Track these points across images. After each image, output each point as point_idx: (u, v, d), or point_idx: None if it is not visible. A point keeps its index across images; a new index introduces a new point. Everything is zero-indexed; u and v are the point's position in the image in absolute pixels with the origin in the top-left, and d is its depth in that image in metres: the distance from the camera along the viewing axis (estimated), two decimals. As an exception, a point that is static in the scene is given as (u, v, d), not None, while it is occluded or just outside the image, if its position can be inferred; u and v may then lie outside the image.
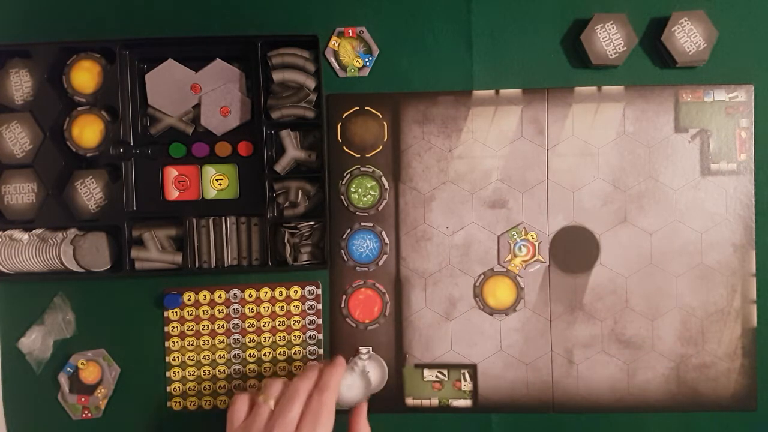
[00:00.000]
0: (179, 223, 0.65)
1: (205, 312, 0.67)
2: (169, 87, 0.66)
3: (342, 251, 0.66)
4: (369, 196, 0.66)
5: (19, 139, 0.64)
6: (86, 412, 0.67)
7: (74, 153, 0.64)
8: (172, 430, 0.67)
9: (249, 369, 0.67)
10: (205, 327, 0.67)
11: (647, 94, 0.65)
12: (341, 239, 0.66)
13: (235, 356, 0.67)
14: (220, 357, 0.67)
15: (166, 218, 0.66)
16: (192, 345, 0.67)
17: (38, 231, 0.65)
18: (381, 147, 0.66)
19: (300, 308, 0.67)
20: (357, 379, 0.61)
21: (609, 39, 0.63)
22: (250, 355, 0.67)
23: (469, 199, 0.66)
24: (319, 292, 0.67)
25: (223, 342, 0.67)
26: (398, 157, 0.66)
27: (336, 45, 0.66)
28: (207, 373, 0.67)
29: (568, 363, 0.65)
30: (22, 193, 0.65)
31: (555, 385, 0.65)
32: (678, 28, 0.63)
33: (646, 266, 0.65)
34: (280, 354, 0.67)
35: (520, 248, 0.65)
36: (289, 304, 0.67)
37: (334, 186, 0.66)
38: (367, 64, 0.66)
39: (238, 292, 0.67)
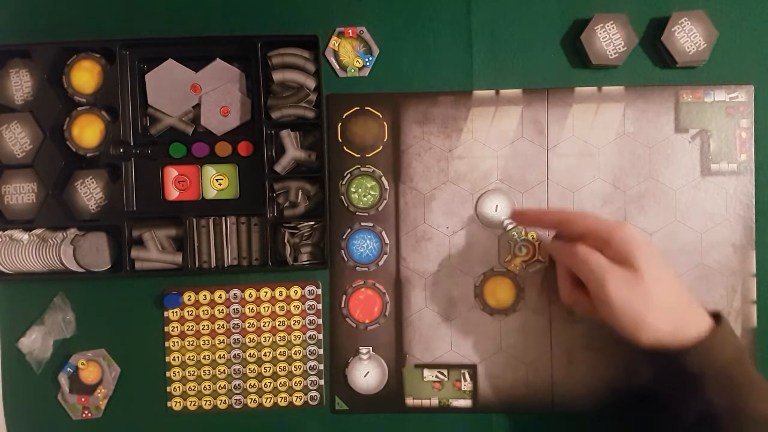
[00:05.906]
0: (179, 223, 0.65)
1: (205, 312, 0.67)
2: (169, 87, 0.66)
3: (342, 251, 0.66)
4: (369, 196, 0.66)
5: (19, 139, 0.64)
6: (86, 412, 0.67)
7: (74, 153, 0.64)
8: (172, 430, 0.67)
9: (249, 369, 0.67)
10: (205, 327, 0.67)
11: (647, 94, 0.65)
12: (341, 239, 0.66)
13: (235, 356, 0.67)
14: (220, 357, 0.67)
15: (166, 218, 0.66)
16: (192, 345, 0.67)
17: (38, 231, 0.65)
18: (381, 147, 0.66)
19: (300, 308, 0.67)
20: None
21: (609, 39, 0.63)
22: (250, 355, 0.67)
23: (469, 199, 0.66)
24: (319, 292, 0.67)
25: (223, 342, 0.67)
26: (398, 157, 0.66)
27: (336, 45, 0.66)
28: (207, 373, 0.67)
29: (568, 363, 0.65)
30: (22, 193, 0.65)
31: (555, 385, 0.65)
32: (678, 28, 0.63)
33: (646, 266, 0.65)
34: (280, 354, 0.67)
35: (520, 248, 0.65)
36: (289, 304, 0.67)
37: (334, 186, 0.66)
38: (367, 64, 0.66)
39: (238, 292, 0.67)
